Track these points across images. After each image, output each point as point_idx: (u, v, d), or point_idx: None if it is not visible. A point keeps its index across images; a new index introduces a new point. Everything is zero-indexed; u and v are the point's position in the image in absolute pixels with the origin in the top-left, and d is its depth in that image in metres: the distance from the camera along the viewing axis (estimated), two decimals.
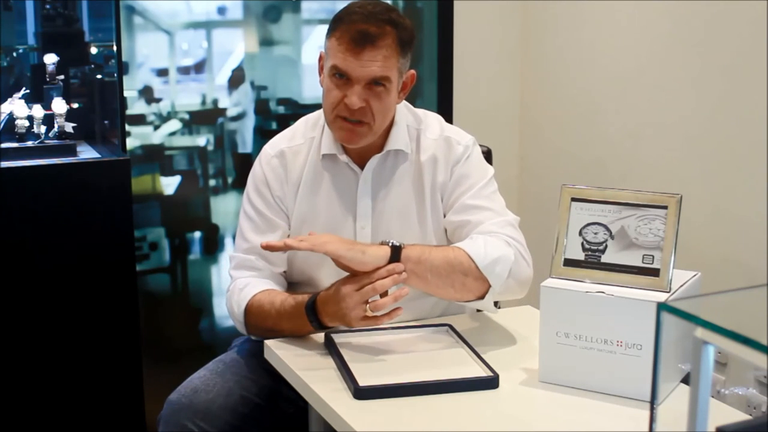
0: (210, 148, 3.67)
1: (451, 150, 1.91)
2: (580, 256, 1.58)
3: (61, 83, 2.72)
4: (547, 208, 2.92)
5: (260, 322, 1.82)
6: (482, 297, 1.77)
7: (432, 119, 1.97)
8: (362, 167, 1.90)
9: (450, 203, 1.90)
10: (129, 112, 3.37)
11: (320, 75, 1.87)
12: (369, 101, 1.79)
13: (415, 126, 1.93)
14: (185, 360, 3.23)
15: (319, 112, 1.95)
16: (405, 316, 1.76)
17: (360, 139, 1.83)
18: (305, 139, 1.94)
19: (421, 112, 1.97)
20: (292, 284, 1.96)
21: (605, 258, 1.57)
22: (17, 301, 2.44)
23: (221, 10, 3.69)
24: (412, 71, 1.87)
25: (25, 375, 2.46)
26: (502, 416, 1.50)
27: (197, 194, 3.67)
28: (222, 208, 3.69)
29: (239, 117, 3.65)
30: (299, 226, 1.91)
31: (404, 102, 1.95)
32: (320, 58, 1.87)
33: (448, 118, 3.21)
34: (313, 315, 1.72)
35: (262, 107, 3.64)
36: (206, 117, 3.67)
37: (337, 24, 1.80)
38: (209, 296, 3.73)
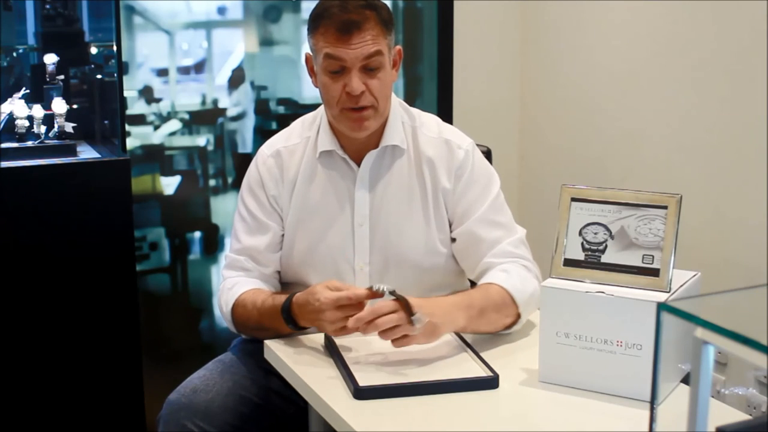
0: (210, 148, 3.67)
1: (452, 154, 1.91)
2: (580, 256, 1.58)
3: (61, 83, 2.72)
4: (547, 208, 2.92)
5: (244, 320, 1.84)
6: (509, 327, 1.81)
7: (427, 118, 1.97)
8: (359, 164, 1.90)
9: (459, 214, 1.90)
10: (129, 112, 3.38)
11: (312, 76, 1.88)
12: (368, 84, 1.79)
13: (410, 123, 1.93)
14: (185, 360, 3.23)
15: (315, 113, 1.96)
16: None
17: (368, 124, 1.83)
18: (301, 138, 1.94)
19: (415, 110, 1.97)
20: (287, 284, 1.96)
21: (605, 258, 1.57)
22: (17, 301, 2.44)
23: (221, 10, 3.69)
24: (398, 47, 1.88)
25: (25, 375, 2.46)
26: (502, 416, 1.50)
27: (197, 194, 3.67)
28: (222, 208, 3.69)
29: (239, 117, 3.66)
30: (295, 223, 1.91)
31: (399, 100, 1.95)
32: (307, 60, 1.87)
33: (448, 118, 3.21)
34: (289, 317, 1.73)
35: (262, 107, 3.64)
36: (206, 117, 3.67)
37: (318, 21, 1.81)
38: (209, 296, 3.73)
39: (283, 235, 1.93)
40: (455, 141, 1.92)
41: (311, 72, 1.87)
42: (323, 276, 1.86)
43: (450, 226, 1.92)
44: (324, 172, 1.91)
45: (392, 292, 1.62)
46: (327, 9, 1.80)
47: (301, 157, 1.92)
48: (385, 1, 1.88)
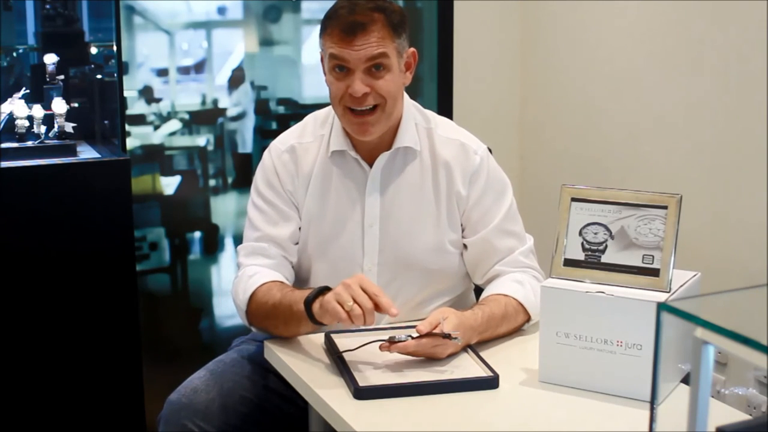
0: (210, 148, 3.68)
1: (467, 159, 1.91)
2: (580, 256, 1.58)
3: (61, 83, 2.72)
4: (547, 208, 2.92)
5: (261, 307, 1.78)
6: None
7: (441, 119, 1.98)
8: (371, 165, 1.90)
9: (473, 222, 1.91)
10: (129, 112, 3.38)
11: (325, 75, 1.88)
12: (372, 86, 1.79)
13: (424, 125, 1.93)
14: (185, 360, 3.23)
15: (328, 110, 1.95)
16: (406, 318, 1.76)
17: (373, 127, 1.82)
18: (315, 136, 1.94)
19: (429, 112, 1.98)
20: (295, 280, 1.95)
21: (605, 258, 1.57)
22: (17, 300, 2.43)
23: (221, 10, 3.70)
24: (413, 49, 1.87)
25: (25, 375, 2.46)
26: (502, 416, 1.50)
27: (197, 194, 3.67)
28: (222, 208, 3.69)
29: (239, 117, 3.66)
30: (307, 223, 1.91)
31: (413, 102, 1.95)
32: (322, 60, 1.88)
33: (448, 118, 3.21)
34: (317, 295, 1.67)
35: (262, 107, 3.64)
36: (206, 117, 3.68)
37: (327, 22, 1.81)
38: (209, 296, 3.74)
39: (300, 228, 1.92)
40: (471, 145, 1.93)
41: (325, 72, 1.88)
42: (331, 274, 1.86)
43: (462, 230, 1.92)
44: (336, 172, 1.90)
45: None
46: (336, 10, 1.81)
47: (316, 155, 1.92)
48: None
